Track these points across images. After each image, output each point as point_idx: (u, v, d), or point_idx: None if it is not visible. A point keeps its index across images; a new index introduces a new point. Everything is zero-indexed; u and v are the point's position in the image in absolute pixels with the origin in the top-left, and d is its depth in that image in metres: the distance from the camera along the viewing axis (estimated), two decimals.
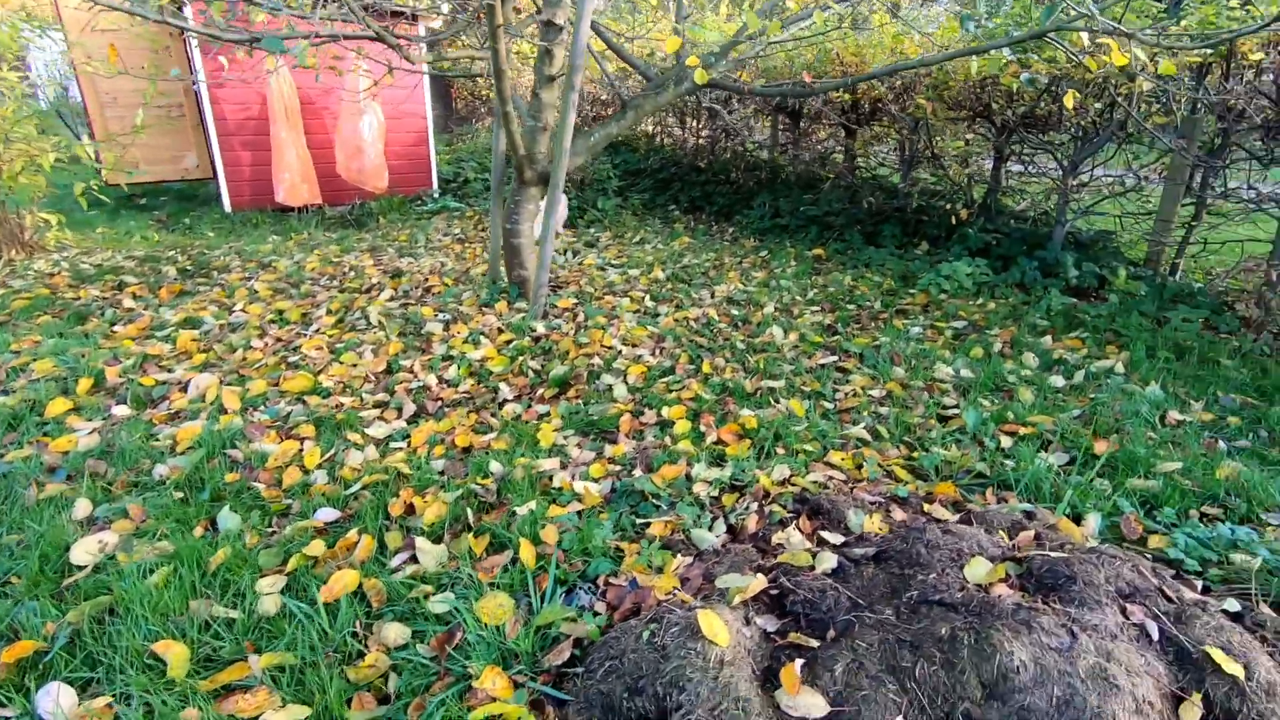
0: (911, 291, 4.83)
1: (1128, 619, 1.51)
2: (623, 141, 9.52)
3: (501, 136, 3.95)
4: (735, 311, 4.31)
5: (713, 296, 4.59)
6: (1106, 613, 1.49)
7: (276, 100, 6.31)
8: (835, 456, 2.60)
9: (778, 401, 3.08)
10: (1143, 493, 2.38)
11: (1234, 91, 3.75)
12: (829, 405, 3.10)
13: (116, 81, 6.85)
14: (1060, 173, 5.05)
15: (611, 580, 1.82)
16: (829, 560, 1.68)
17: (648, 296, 4.42)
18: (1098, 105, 4.22)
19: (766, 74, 5.96)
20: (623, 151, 9.01)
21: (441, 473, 2.38)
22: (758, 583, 1.63)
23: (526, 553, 1.88)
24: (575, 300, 4.20)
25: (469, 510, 2.14)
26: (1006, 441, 2.75)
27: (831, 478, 2.49)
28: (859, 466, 2.56)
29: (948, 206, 5.22)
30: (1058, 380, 3.39)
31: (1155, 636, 1.48)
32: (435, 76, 8.59)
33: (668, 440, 2.66)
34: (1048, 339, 3.92)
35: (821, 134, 7.25)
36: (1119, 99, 4.22)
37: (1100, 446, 2.64)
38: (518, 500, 2.19)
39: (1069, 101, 3.17)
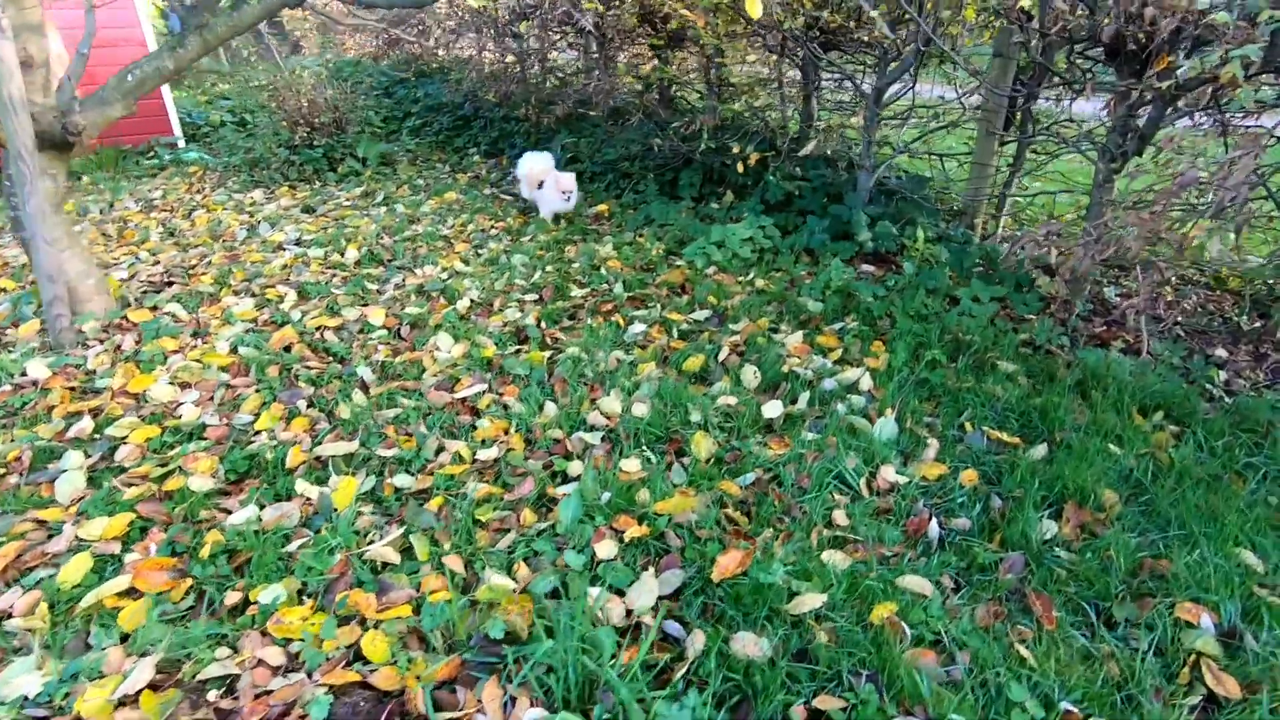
0: (680, 264, 3.83)
1: None
2: (439, 68, 8.07)
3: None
4: (414, 310, 3.23)
5: (401, 286, 3.50)
6: None
7: None
8: (293, 615, 1.61)
9: (323, 483, 2.07)
10: (736, 672, 1.48)
11: None
12: (409, 482, 2.11)
13: None
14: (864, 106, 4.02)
15: None
16: None
17: (295, 293, 3.30)
18: (875, 14, 3.14)
19: None
20: (431, 81, 7.60)
21: None
22: None
23: None
24: (171, 309, 3.05)
25: None
26: (607, 549, 1.82)
27: (245, 663, 1.51)
28: (319, 637, 1.58)
29: (736, 149, 4.17)
30: (773, 409, 2.47)
31: None
32: None
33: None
34: (797, 337, 2.98)
35: (640, 59, 6.03)
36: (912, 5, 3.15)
37: (723, 564, 1.72)
38: None
39: (752, 10, 2.10)
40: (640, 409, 2.41)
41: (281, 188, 5.10)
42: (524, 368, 2.71)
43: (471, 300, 3.35)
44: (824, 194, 4.22)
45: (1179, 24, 2.24)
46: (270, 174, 5.24)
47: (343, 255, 3.79)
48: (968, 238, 3.70)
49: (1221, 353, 2.88)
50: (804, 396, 2.53)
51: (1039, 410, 2.41)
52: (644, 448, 2.24)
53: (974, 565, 1.78)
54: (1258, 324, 3.00)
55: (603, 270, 3.70)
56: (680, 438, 2.30)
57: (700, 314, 3.25)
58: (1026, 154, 3.73)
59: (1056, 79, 3.22)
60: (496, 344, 2.96)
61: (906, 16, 3.38)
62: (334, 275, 3.55)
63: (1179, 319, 3.13)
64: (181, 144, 6.45)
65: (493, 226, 4.43)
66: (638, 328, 3.11)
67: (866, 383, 2.64)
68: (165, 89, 6.29)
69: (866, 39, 3.87)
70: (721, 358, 2.86)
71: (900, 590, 1.68)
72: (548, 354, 2.83)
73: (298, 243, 3.96)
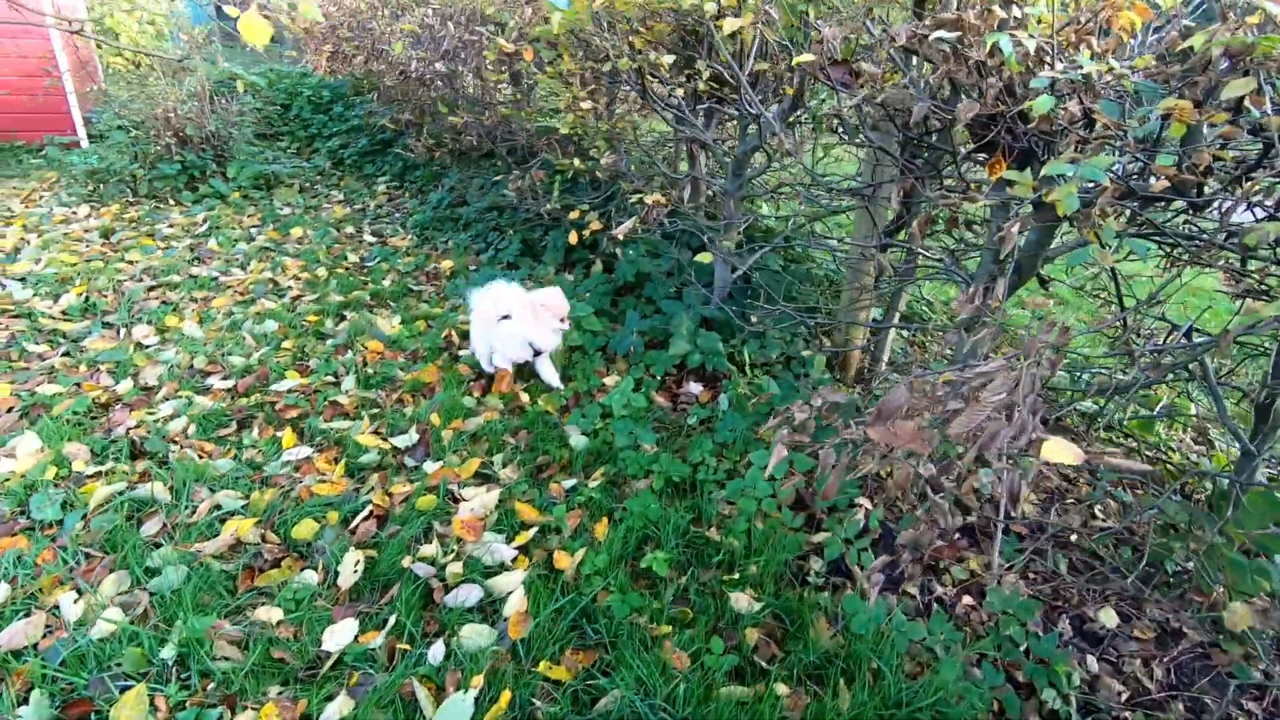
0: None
1: None
2: (365, 87, 7.42)
3: None
4: (49, 389, 2.50)
5: (79, 352, 2.78)
6: None
7: None
8: None
9: None
10: None
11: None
12: None
13: None
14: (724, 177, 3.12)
15: None
16: None
17: None
18: (706, 64, 2.27)
19: None
20: (357, 104, 7.01)
21: None
22: None
23: None
24: None
25: None
26: None
27: None
28: None
29: (576, 213, 3.33)
30: (340, 637, 1.59)
31: None
32: None
33: None
34: (490, 499, 2.10)
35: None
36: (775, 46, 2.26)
37: None
38: None
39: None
40: (104, 627, 1.57)
41: (112, 206, 4.53)
42: (54, 510, 1.92)
43: (140, 384, 2.60)
44: (676, 282, 3.33)
45: (979, 109, 1.30)
46: (113, 189, 4.70)
47: (56, 301, 3.13)
48: (807, 369, 2.73)
49: (1109, 618, 1.84)
50: (404, 620, 1.65)
51: None
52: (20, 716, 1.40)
53: None
54: (1181, 570, 1.93)
55: (350, 353, 2.90)
56: (95, 698, 1.44)
57: (406, 438, 2.41)
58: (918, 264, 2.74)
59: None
60: (96, 457, 2.19)
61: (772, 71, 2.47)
62: (3, 330, 2.87)
63: (1067, 535, 2.08)
64: (85, 144, 6.05)
65: (296, 277, 3.71)
66: (301, 452, 2.29)
67: (516, 602, 1.74)
68: (68, 83, 5.91)
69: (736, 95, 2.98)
70: (356, 523, 2.00)
71: None
72: (114, 490, 2.03)
73: (23, 279, 3.32)
